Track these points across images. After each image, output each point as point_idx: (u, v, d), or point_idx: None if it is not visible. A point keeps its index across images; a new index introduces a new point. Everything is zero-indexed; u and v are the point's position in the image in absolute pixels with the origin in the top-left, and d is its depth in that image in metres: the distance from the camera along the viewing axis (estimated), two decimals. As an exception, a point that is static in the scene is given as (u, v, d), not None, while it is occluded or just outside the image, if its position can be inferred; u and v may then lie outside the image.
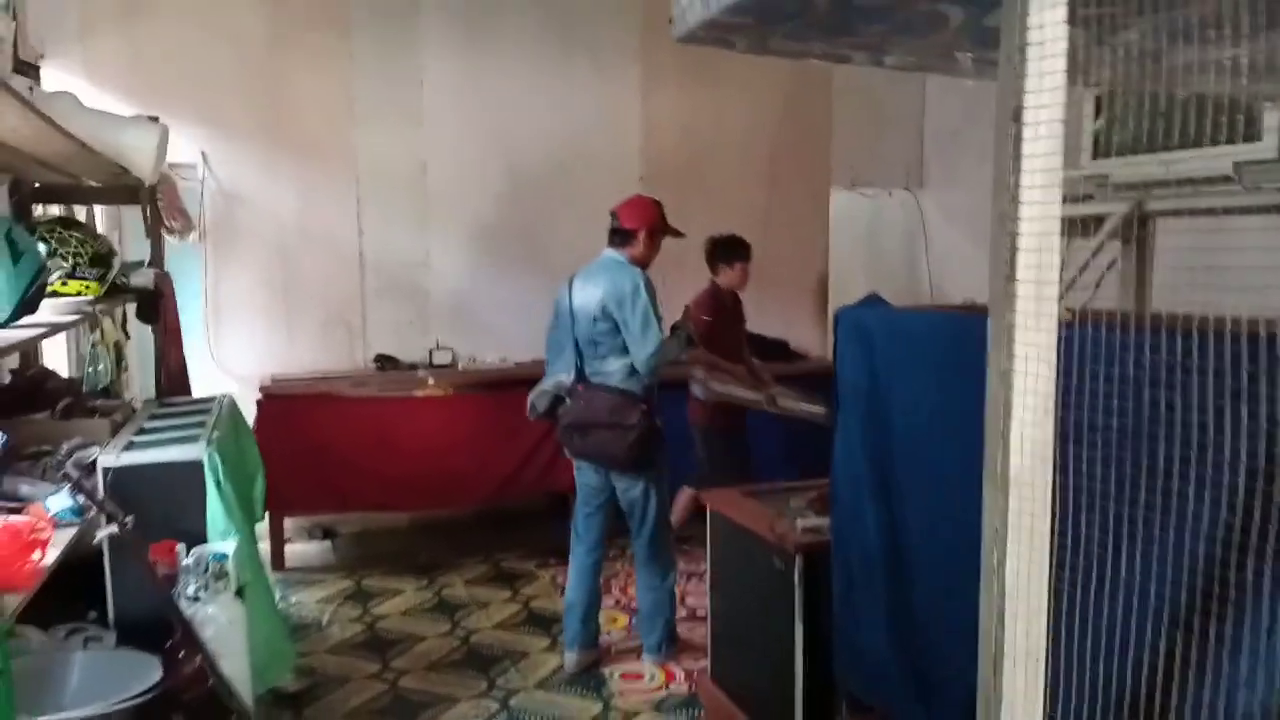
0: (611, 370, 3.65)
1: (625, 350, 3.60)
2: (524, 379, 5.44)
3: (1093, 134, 2.80)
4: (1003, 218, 1.05)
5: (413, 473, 5.17)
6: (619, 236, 3.76)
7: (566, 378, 3.70)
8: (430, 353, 5.70)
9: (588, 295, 3.66)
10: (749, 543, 2.69)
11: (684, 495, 4.96)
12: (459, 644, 4.23)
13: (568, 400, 3.69)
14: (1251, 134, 2.31)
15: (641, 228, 3.74)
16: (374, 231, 5.68)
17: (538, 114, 5.98)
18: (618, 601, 4.70)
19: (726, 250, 4.85)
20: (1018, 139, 1.02)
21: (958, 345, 1.88)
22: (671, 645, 3.98)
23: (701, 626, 4.17)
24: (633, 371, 3.63)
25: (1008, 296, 1.06)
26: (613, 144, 6.19)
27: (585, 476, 3.86)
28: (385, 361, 5.61)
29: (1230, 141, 1.82)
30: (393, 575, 5.03)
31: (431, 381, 5.28)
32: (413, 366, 5.60)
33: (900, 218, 7.32)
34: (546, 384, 3.78)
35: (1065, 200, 1.19)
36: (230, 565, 2.94)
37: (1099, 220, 2.83)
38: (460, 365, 5.67)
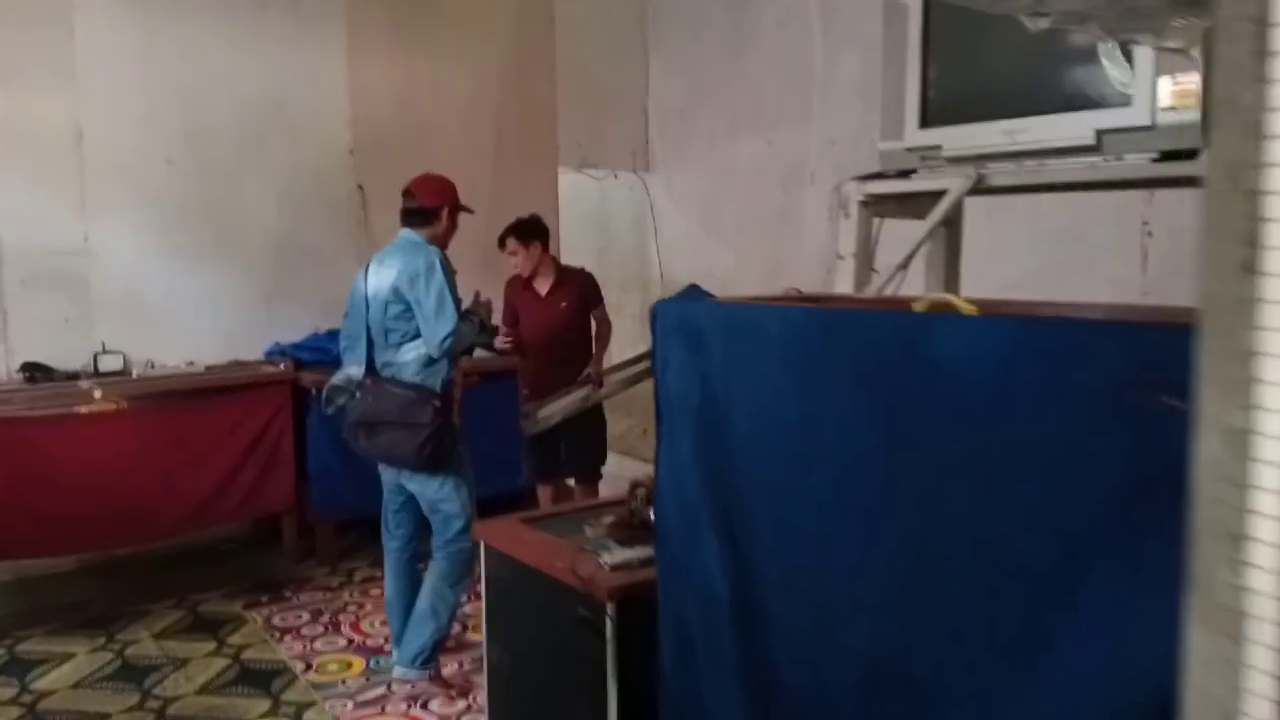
0: (405, 361, 3.38)
1: (419, 337, 3.35)
2: (217, 386, 4.65)
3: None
4: (1233, 171, 0.65)
5: (79, 507, 4.21)
6: (418, 216, 3.51)
7: (357, 370, 3.44)
8: (95, 358, 4.69)
9: (381, 279, 3.40)
10: (539, 585, 2.23)
11: (545, 494, 4.65)
12: None
13: (355, 395, 3.42)
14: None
15: (443, 205, 3.53)
16: (14, 210, 4.56)
17: (224, 73, 5.11)
18: (350, 641, 4.05)
19: (523, 232, 4.53)
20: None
21: (830, 345, 1.54)
22: (429, 663, 3.52)
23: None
24: (429, 363, 3.37)
25: (1243, 301, 0.65)
26: (316, 112, 5.44)
27: (385, 474, 3.56)
28: (36, 371, 4.54)
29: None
30: (58, 635, 4.06)
31: (98, 394, 4.32)
32: (73, 376, 4.58)
33: (628, 200, 7.10)
34: (338, 377, 3.53)
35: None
36: None
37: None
38: (135, 372, 4.71)
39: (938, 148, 2.10)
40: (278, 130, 5.28)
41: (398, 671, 3.56)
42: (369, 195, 5.61)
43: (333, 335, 5.15)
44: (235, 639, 4.04)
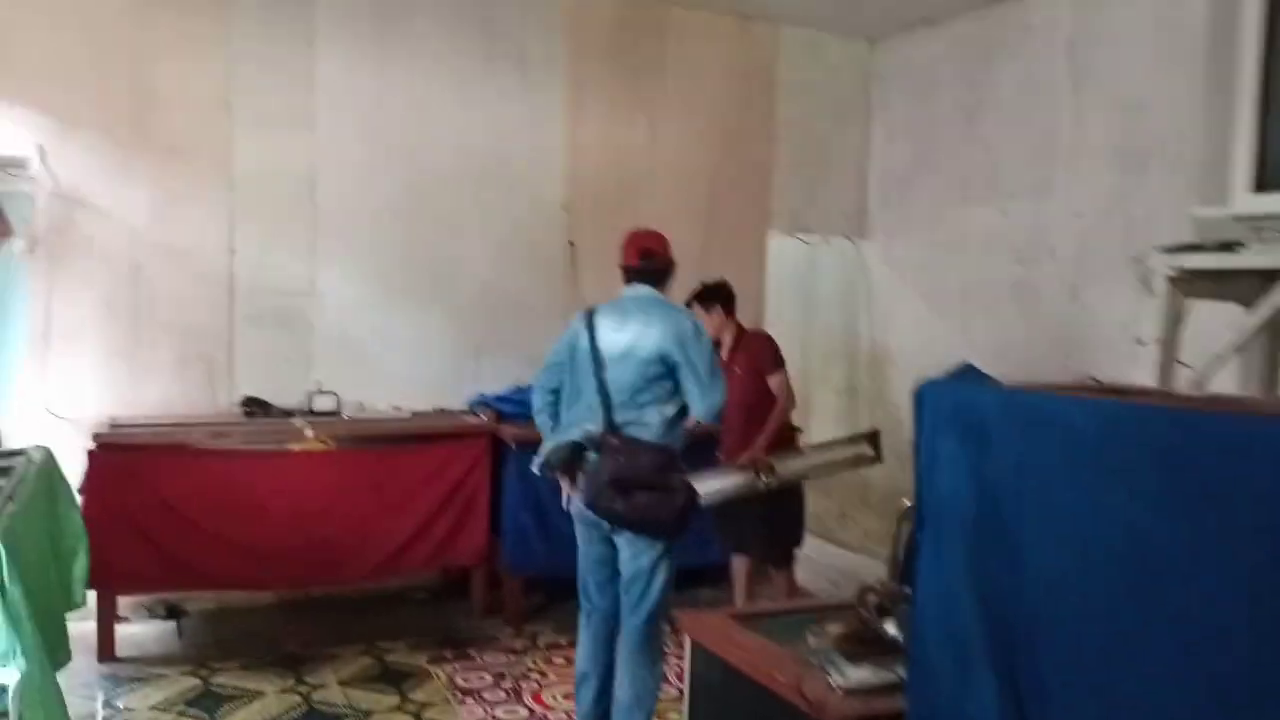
0: (650, 422, 3.18)
1: (669, 399, 3.18)
2: (421, 434, 4.65)
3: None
4: None
5: (281, 543, 4.27)
6: (654, 274, 3.34)
7: (594, 427, 3.17)
8: (310, 397, 4.80)
9: (634, 336, 3.18)
10: (755, 698, 1.95)
11: (741, 567, 4.45)
12: (331, 773, 3.33)
13: (593, 454, 3.15)
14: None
15: (674, 263, 3.41)
16: (249, 250, 4.77)
17: (448, 125, 5.21)
18: (531, 712, 3.86)
19: (706, 295, 4.47)
20: None
21: (1175, 453, 1.21)
22: None
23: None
24: (672, 426, 3.21)
25: None
26: (534, 166, 5.46)
27: (593, 545, 3.31)
28: (255, 406, 4.68)
29: None
30: (251, 670, 4.08)
31: (310, 433, 4.39)
32: (288, 413, 4.69)
33: (837, 266, 6.80)
34: (572, 433, 3.23)
35: None
36: (10, 704, 2.06)
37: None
38: (346, 414, 4.79)
39: (1277, 217, 1.72)
40: (496, 183, 5.33)
41: None
42: (579, 252, 5.57)
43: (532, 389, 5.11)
44: (418, 695, 3.94)
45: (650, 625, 3.22)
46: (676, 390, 3.19)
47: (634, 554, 3.19)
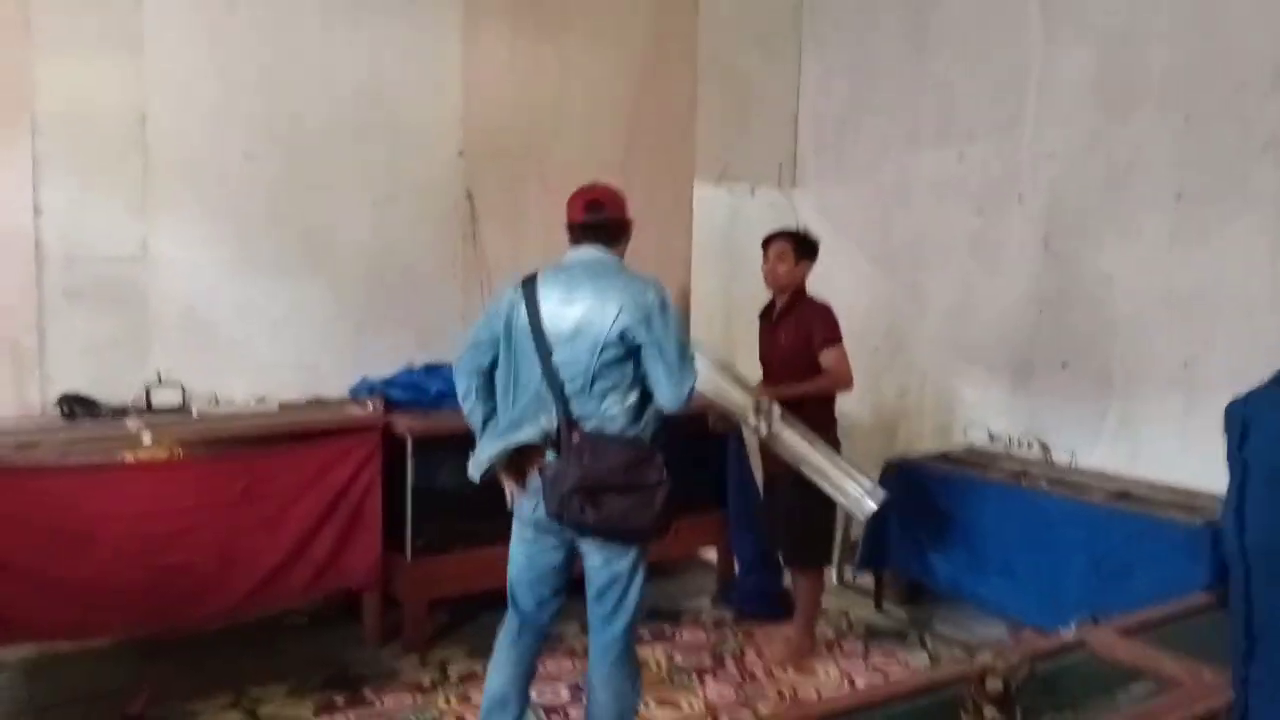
0: (613, 414, 2.65)
1: (633, 385, 2.66)
2: (294, 432, 3.79)
3: None
4: None
5: (117, 578, 3.38)
6: (607, 231, 2.80)
7: (550, 423, 2.64)
8: (148, 391, 3.87)
9: (586, 311, 2.64)
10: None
11: (809, 587, 3.90)
12: None
13: (551, 454, 2.65)
14: None
15: (629, 224, 2.88)
16: (59, 208, 3.76)
17: (316, 53, 4.29)
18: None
19: (808, 245, 3.94)
20: None
21: None
22: None
23: None
24: (638, 415, 2.68)
25: None
26: (422, 103, 4.59)
27: (545, 554, 2.80)
28: (75, 405, 3.73)
29: None
30: (80, 741, 3.20)
31: (148, 438, 3.48)
32: (120, 412, 3.76)
33: (766, 220, 6.10)
34: (524, 433, 2.67)
35: None
36: None
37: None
38: (195, 410, 3.87)
39: None
40: (377, 125, 4.44)
41: None
42: (480, 206, 4.74)
43: (430, 371, 4.29)
44: (301, 760, 3.13)
45: (630, 634, 2.80)
46: (641, 374, 2.67)
47: (606, 560, 2.73)
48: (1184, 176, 3.98)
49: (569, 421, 2.62)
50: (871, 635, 4.16)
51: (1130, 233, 4.18)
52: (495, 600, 4.13)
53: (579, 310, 2.63)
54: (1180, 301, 4.01)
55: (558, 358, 2.63)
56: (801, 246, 3.85)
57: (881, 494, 3.58)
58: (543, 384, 2.64)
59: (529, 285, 2.70)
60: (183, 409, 3.87)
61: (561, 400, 2.62)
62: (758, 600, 4.29)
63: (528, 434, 2.66)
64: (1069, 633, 1.85)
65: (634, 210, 4.91)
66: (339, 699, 3.50)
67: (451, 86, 4.64)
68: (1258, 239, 3.75)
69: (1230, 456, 1.51)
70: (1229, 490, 1.50)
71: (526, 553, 2.80)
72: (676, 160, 5.40)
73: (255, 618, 3.94)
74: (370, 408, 3.99)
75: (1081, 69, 4.33)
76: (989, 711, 1.51)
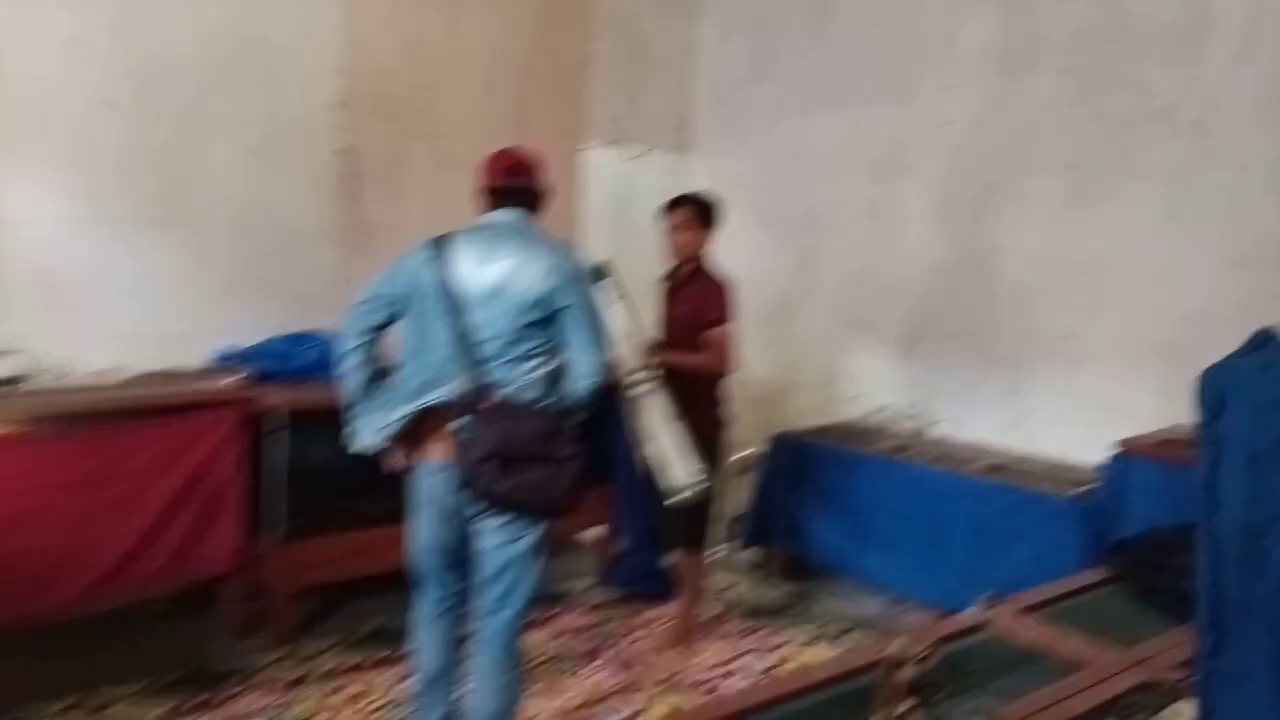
0: (530, 380, 2.58)
1: (551, 355, 2.60)
2: (148, 407, 3.47)
3: None
4: None
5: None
6: (528, 196, 2.73)
7: (462, 385, 2.52)
8: (-13, 360, 3.51)
9: (508, 271, 2.55)
10: None
11: (691, 566, 3.78)
12: None
13: (465, 419, 2.51)
14: None
15: (549, 191, 2.82)
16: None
17: (179, -6, 3.92)
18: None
19: (710, 212, 3.79)
20: None
21: None
22: None
23: None
24: (552, 385, 2.62)
25: None
26: (301, 50, 4.26)
27: (448, 530, 2.68)
28: (-103, 376, 3.34)
29: None
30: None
31: (-17, 412, 3.14)
32: (-49, 384, 3.39)
33: (658, 185, 5.97)
34: (433, 395, 2.56)
35: None
36: None
37: None
38: (40, 380, 3.52)
39: None
40: (250, 71, 4.10)
41: None
42: (362, 161, 4.46)
43: (302, 340, 4.03)
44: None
45: (519, 622, 2.70)
46: (556, 344, 2.61)
47: (506, 539, 2.63)
48: (1077, 145, 3.99)
49: (483, 386, 2.51)
50: (755, 613, 4.11)
51: (1022, 202, 4.18)
52: (372, 586, 3.96)
53: (500, 269, 2.53)
54: (1068, 272, 4.04)
55: (474, 318, 2.52)
56: (705, 213, 3.71)
57: (698, 487, 3.39)
58: (456, 346, 2.53)
59: (442, 242, 2.59)
60: (21, 380, 3.51)
61: (476, 364, 2.51)
62: (642, 580, 4.18)
63: (439, 395, 2.54)
64: (971, 614, 1.79)
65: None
66: (198, 697, 3.25)
67: (333, 32, 4.33)
68: (1147, 210, 3.79)
69: (1204, 429, 1.42)
70: (1200, 466, 1.41)
71: (430, 528, 2.69)
72: (569, 120, 5.21)
73: (110, 609, 3.63)
74: (235, 379, 3.71)
75: (980, 34, 4.29)
76: (901, 703, 1.43)
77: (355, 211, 4.44)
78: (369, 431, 2.64)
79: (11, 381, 3.49)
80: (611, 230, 6.09)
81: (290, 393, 3.67)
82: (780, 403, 5.22)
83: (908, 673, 1.44)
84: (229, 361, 3.88)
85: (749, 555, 4.53)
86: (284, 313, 4.18)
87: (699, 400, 3.60)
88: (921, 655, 1.46)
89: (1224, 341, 3.54)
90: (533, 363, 2.57)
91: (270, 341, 3.99)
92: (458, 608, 2.78)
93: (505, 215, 2.67)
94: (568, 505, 2.61)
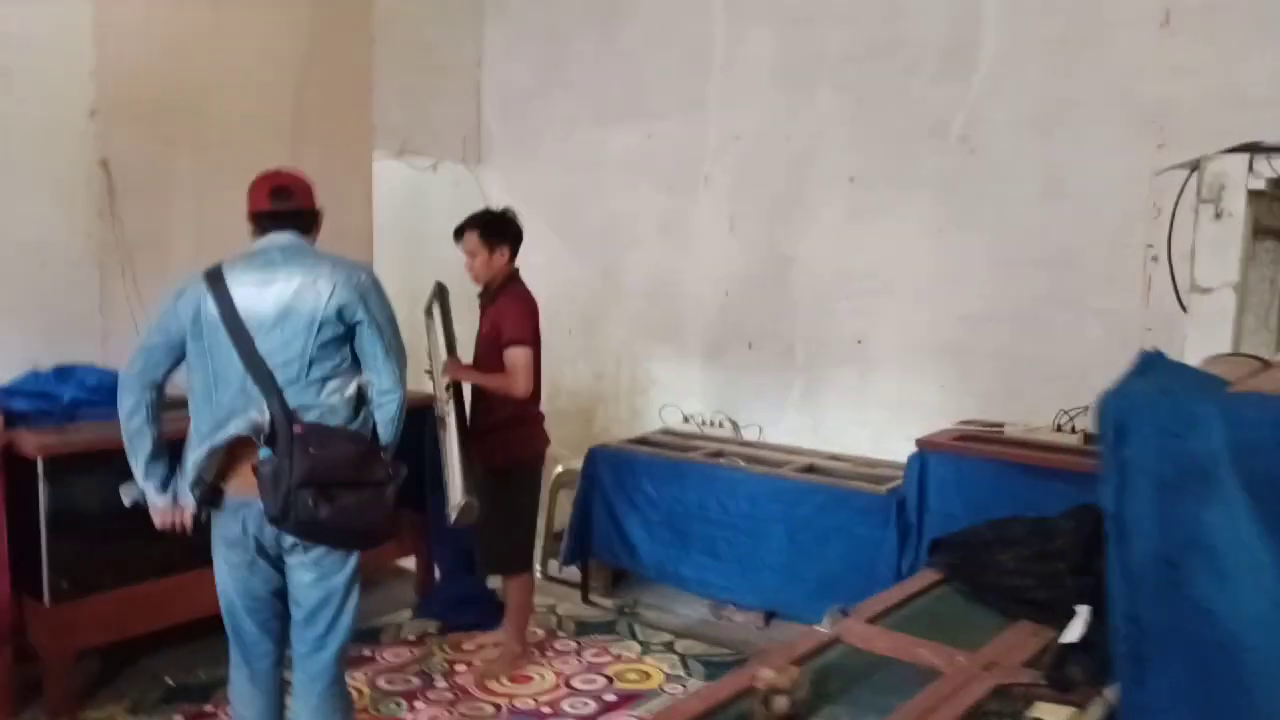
0: (333, 404, 2.44)
1: (351, 373, 2.49)
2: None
3: None
4: None
5: None
6: (298, 219, 2.57)
7: (261, 416, 2.37)
8: None
9: (293, 292, 2.42)
10: None
11: (516, 589, 3.62)
12: None
13: (269, 451, 2.35)
14: None
15: (320, 213, 2.66)
16: None
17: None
18: None
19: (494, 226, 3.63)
20: None
21: None
22: None
23: None
24: (357, 408, 2.49)
25: None
26: (45, 51, 3.80)
27: (257, 576, 2.50)
28: None
29: None
30: None
31: None
32: None
33: (451, 198, 5.81)
34: (228, 430, 2.38)
35: None
36: None
37: None
38: None
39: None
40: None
41: None
42: (118, 176, 4.04)
43: (62, 375, 3.61)
44: None
45: (342, 660, 2.57)
46: (354, 364, 2.51)
47: (322, 574, 2.47)
48: (857, 159, 4.21)
49: (286, 413, 2.35)
50: (582, 630, 4.07)
51: (809, 214, 4.37)
52: (157, 643, 3.60)
53: (283, 292, 2.40)
54: (854, 280, 4.26)
55: (263, 346, 2.38)
56: (491, 233, 3.56)
57: (468, 511, 3.23)
58: (246, 378, 2.38)
59: (214, 274, 2.43)
60: None
61: (274, 391, 2.36)
62: (462, 608, 4.03)
63: (236, 427, 2.37)
64: (823, 628, 1.82)
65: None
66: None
67: (81, 33, 3.89)
68: (922, 221, 4.05)
69: (1108, 456, 1.39)
70: (1104, 494, 1.38)
71: (237, 577, 2.49)
72: (353, 130, 4.95)
73: None
74: (-16, 422, 3.26)
75: (763, 49, 4.45)
76: (777, 731, 1.42)
77: (114, 230, 4.02)
78: (145, 487, 2.46)
79: None
80: (403, 243, 5.88)
81: (52, 436, 3.26)
82: (591, 414, 5.21)
83: (783, 703, 1.44)
84: (-26, 403, 3.40)
85: (571, 572, 4.47)
86: (36, 345, 3.71)
87: (504, 421, 3.51)
88: (793, 684, 1.46)
89: (999, 340, 3.86)
90: (332, 384, 2.44)
91: (26, 378, 3.54)
92: (275, 662, 2.59)
93: (279, 237, 2.52)
94: (388, 531, 2.53)
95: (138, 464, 2.43)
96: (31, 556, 3.19)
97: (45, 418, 3.42)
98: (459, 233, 3.61)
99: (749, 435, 4.58)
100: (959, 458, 3.44)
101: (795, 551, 3.77)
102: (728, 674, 1.73)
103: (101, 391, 3.60)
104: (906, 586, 2.08)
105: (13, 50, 3.68)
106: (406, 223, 5.93)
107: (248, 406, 2.38)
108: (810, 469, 4.00)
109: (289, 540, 2.40)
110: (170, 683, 3.49)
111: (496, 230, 3.56)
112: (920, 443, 3.53)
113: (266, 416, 2.35)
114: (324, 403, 2.42)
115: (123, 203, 4.05)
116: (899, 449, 3.93)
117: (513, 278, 3.62)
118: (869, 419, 4.24)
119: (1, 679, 3.22)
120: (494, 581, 3.99)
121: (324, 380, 2.43)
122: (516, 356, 3.42)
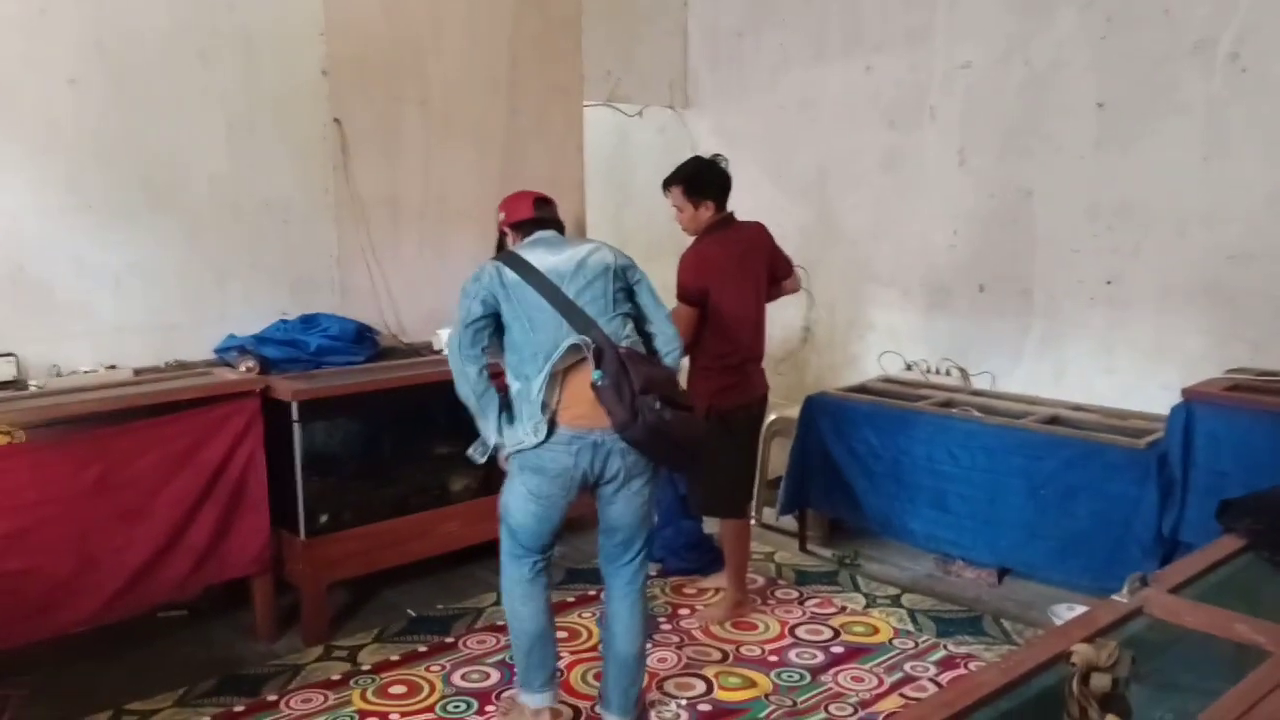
0: (635, 339, 2.69)
1: (635, 323, 2.74)
2: (156, 404, 3.23)
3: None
4: None
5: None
6: (558, 224, 2.94)
7: (587, 342, 2.56)
8: (-28, 365, 3.25)
9: (584, 255, 2.68)
10: None
11: (733, 535, 3.64)
12: None
13: (599, 373, 2.53)
14: None
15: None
16: None
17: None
18: None
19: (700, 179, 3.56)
20: None
21: None
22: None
23: None
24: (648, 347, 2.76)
25: None
26: (279, 16, 3.96)
27: (560, 507, 2.68)
28: (-124, 387, 3.08)
29: None
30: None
31: (-23, 422, 2.89)
32: (-63, 392, 3.14)
33: (657, 144, 5.75)
34: (555, 359, 2.56)
35: None
36: None
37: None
38: (34, 384, 3.28)
39: None
40: (226, 39, 3.81)
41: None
42: (349, 132, 4.19)
43: (309, 323, 3.81)
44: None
45: (646, 566, 2.87)
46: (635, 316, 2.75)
47: (636, 491, 2.68)
48: (1106, 83, 3.83)
49: (608, 339, 2.56)
50: (802, 579, 3.98)
51: (1051, 145, 4.03)
52: (399, 575, 3.78)
53: (575, 253, 2.67)
54: (1103, 215, 3.90)
55: (569, 290, 2.60)
56: (694, 189, 3.49)
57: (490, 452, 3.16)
58: (560, 320, 2.58)
59: (502, 257, 2.70)
60: (16, 383, 3.26)
61: (591, 323, 2.57)
62: (681, 552, 4.03)
63: (566, 346, 2.56)
64: (1121, 598, 1.65)
65: (523, 132, 4.58)
66: (238, 705, 3.06)
67: (311, -3, 4.04)
68: (1186, 148, 3.65)
69: None
70: None
71: (542, 506, 2.66)
72: (565, 80, 4.95)
73: (125, 623, 3.40)
74: (243, 369, 3.48)
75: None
76: (1094, 714, 1.28)
77: (347, 185, 4.18)
78: (484, 448, 2.70)
79: (1, 386, 3.23)
80: (611, 191, 5.88)
81: (304, 381, 3.45)
82: (804, 363, 5.08)
83: (1103, 680, 1.30)
84: (233, 351, 3.63)
85: (787, 521, 4.39)
86: (283, 295, 3.96)
87: (699, 370, 3.50)
88: (1111, 662, 1.31)
89: (1274, 280, 3.45)
90: (630, 325, 2.68)
91: (276, 327, 3.76)
92: (549, 565, 2.82)
93: (546, 234, 2.83)
94: (698, 455, 2.79)
95: (489, 421, 2.63)
96: (288, 495, 3.40)
97: (294, 364, 3.62)
98: (666, 185, 3.56)
99: (980, 384, 4.32)
100: (1232, 409, 3.09)
101: (1036, 508, 3.53)
102: (1024, 646, 1.59)
103: (343, 339, 3.80)
104: (1207, 555, 1.86)
105: (250, 12, 3.85)
106: (614, 172, 5.92)
107: (568, 337, 2.57)
108: (1054, 420, 3.72)
109: (613, 467, 2.58)
110: (412, 614, 3.67)
111: (700, 186, 3.50)
112: (1186, 393, 3.20)
113: (592, 344, 2.54)
114: (630, 336, 2.65)
115: (355, 159, 4.21)
116: (1153, 400, 3.60)
117: (714, 227, 3.51)
118: (1117, 366, 3.90)
119: (264, 607, 3.48)
120: (710, 525, 3.96)
121: (625, 318, 2.67)
122: (677, 313, 3.34)
